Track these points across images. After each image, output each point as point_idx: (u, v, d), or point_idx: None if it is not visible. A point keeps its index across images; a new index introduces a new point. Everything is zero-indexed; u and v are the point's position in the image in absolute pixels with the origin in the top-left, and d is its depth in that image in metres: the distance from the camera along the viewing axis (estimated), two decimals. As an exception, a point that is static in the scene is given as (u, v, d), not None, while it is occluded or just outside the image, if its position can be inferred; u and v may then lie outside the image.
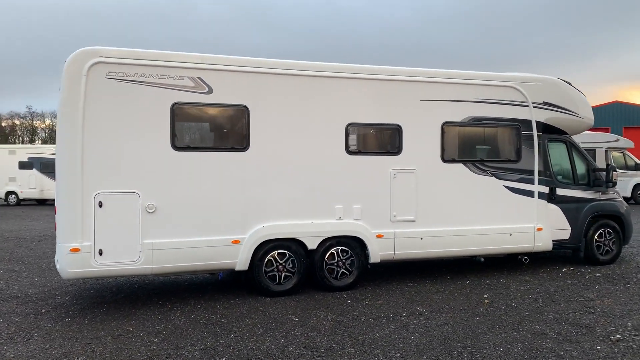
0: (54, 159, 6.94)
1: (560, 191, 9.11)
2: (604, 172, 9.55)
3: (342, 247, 7.78)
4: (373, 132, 8.17)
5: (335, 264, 7.76)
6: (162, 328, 6.18)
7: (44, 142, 56.50)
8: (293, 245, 7.53)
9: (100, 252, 6.61)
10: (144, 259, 6.78)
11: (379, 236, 7.89)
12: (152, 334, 5.96)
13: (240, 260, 7.24)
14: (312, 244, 7.59)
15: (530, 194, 8.77)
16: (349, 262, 7.81)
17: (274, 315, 6.63)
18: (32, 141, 59.50)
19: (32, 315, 6.77)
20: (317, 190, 7.63)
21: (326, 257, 7.70)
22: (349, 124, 7.76)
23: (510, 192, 8.65)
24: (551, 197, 9.00)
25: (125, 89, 6.71)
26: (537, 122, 8.81)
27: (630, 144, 23.02)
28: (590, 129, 28.08)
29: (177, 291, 7.97)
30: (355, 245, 7.83)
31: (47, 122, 61.66)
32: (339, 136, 7.73)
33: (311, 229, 7.58)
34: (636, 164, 22.73)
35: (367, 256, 7.88)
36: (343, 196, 7.75)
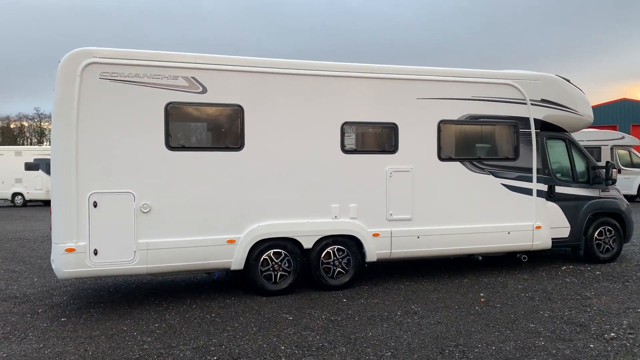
0: None
1: (559, 189, 9.05)
2: (604, 170, 9.47)
3: (338, 246, 7.77)
4: (369, 130, 8.16)
5: (332, 263, 7.74)
6: (156, 327, 6.20)
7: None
8: (289, 244, 7.53)
9: (95, 252, 6.63)
10: (139, 258, 6.80)
11: (375, 235, 7.87)
12: (146, 333, 5.98)
13: (236, 260, 7.25)
14: (307, 243, 7.58)
15: (528, 192, 8.72)
16: (345, 261, 7.80)
17: (268, 314, 6.64)
18: (40, 142, 59.89)
19: (28, 315, 6.81)
20: (313, 190, 7.62)
21: (322, 256, 7.69)
22: (345, 123, 7.75)
23: (508, 190, 8.60)
24: (550, 195, 8.95)
25: (120, 89, 6.73)
26: (535, 119, 8.76)
27: (635, 141, 22.87)
28: (597, 127, 27.98)
29: (174, 291, 7.99)
30: (351, 244, 7.81)
31: (55, 123, 61.88)
32: (335, 135, 7.71)
33: (307, 228, 7.57)
34: (642, 161, 22.57)
35: (363, 255, 7.86)
36: (339, 195, 7.74)
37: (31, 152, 27.41)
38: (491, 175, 8.51)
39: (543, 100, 8.83)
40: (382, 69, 7.98)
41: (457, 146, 8.47)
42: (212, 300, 7.32)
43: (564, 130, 9.36)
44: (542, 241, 8.80)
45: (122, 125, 6.78)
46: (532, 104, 8.72)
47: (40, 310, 7.00)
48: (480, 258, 8.95)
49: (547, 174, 8.95)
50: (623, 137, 22.43)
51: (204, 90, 7.09)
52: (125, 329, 6.17)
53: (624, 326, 5.96)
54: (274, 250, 7.47)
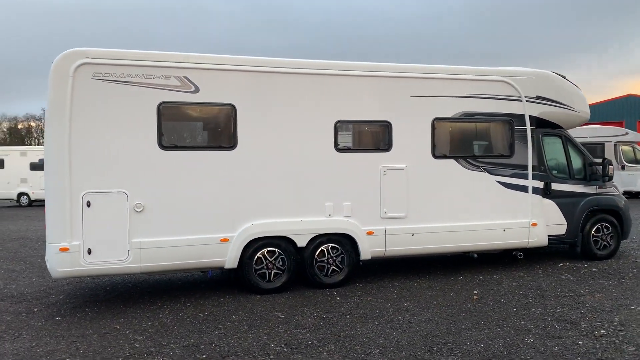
0: None
1: (555, 186, 9.02)
2: (601, 167, 9.42)
3: (333, 245, 7.78)
4: (362, 129, 8.16)
5: (326, 261, 7.76)
6: (149, 326, 6.24)
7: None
8: (282, 243, 7.56)
9: (89, 251, 6.68)
10: (132, 257, 6.85)
11: (370, 233, 7.88)
12: (138, 332, 6.03)
13: (229, 259, 7.28)
14: (301, 242, 7.60)
15: (524, 189, 8.70)
16: (339, 259, 7.82)
17: (261, 312, 6.67)
18: (46, 143, 60.06)
19: (24, 314, 6.87)
20: (307, 188, 7.64)
21: (316, 254, 7.71)
22: (338, 121, 7.76)
23: (503, 187, 8.58)
24: (546, 192, 8.92)
25: (112, 89, 6.78)
26: (530, 116, 8.74)
27: (639, 137, 22.72)
28: (604, 123, 27.80)
29: (169, 289, 8.04)
30: (345, 242, 7.83)
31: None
32: (328, 133, 7.72)
33: (301, 227, 7.60)
34: (646, 157, 22.43)
35: (358, 253, 7.87)
36: (333, 194, 7.75)
37: (36, 153, 27.55)
38: (486, 173, 8.49)
39: (538, 97, 8.80)
40: (376, 67, 7.98)
41: (452, 144, 8.46)
42: (206, 299, 7.36)
43: (560, 127, 9.32)
44: (538, 238, 8.78)
45: (114, 125, 6.82)
46: (527, 101, 8.70)
47: (36, 309, 7.07)
48: (476, 255, 8.94)
49: (543, 171, 8.92)
50: (627, 133, 22.30)
51: (197, 90, 7.12)
52: (118, 327, 6.21)
53: (615, 323, 5.94)
54: (268, 248, 7.50)
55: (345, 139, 7.93)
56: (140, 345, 5.58)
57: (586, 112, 9.38)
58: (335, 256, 7.80)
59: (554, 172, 9.16)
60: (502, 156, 8.62)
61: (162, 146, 6.99)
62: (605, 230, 9.42)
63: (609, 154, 21.17)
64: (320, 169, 7.69)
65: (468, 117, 8.42)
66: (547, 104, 8.88)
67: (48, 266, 6.78)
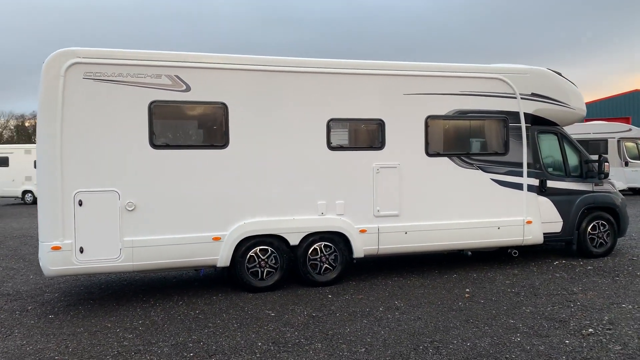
0: None
1: (551, 183, 8.99)
2: (597, 164, 9.38)
3: (325, 243, 7.79)
4: (355, 127, 8.16)
5: (319, 260, 7.78)
6: (140, 324, 6.28)
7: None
8: (275, 241, 7.57)
9: (81, 250, 6.73)
10: (124, 256, 6.89)
11: (363, 231, 7.88)
12: (128, 330, 6.07)
13: (222, 257, 7.31)
14: (294, 240, 7.62)
15: (519, 186, 8.67)
16: (332, 257, 7.83)
17: (252, 310, 6.69)
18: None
19: (17, 312, 6.93)
20: (299, 187, 7.65)
21: (309, 252, 7.73)
22: (331, 120, 7.76)
23: (497, 185, 8.56)
24: (541, 190, 8.89)
25: (103, 88, 6.80)
26: (525, 113, 8.70)
27: (643, 133, 22.56)
28: (610, 119, 27.59)
29: (162, 287, 8.08)
30: (338, 240, 7.83)
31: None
32: (321, 132, 7.72)
33: (293, 225, 7.61)
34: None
35: (351, 251, 7.88)
36: (325, 192, 7.76)
37: (40, 150, 27.70)
38: (480, 170, 8.47)
39: (533, 94, 8.76)
40: (368, 65, 7.97)
41: (445, 141, 8.44)
42: (199, 297, 7.39)
43: (556, 124, 9.28)
44: (533, 236, 8.75)
45: (106, 125, 6.85)
46: (522, 98, 8.66)
47: (29, 308, 7.12)
48: (470, 253, 8.93)
49: (538, 168, 8.89)
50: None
51: (188, 89, 7.13)
52: (109, 325, 6.26)
53: (604, 322, 5.92)
54: (260, 247, 7.52)
55: (338, 137, 7.93)
56: (130, 344, 5.62)
57: (582, 109, 9.33)
58: (328, 254, 7.81)
59: (550, 169, 9.12)
60: (496, 154, 8.59)
61: (154, 145, 7.02)
62: (601, 227, 9.38)
63: (612, 150, 21.04)
64: (313, 167, 7.69)
65: (462, 114, 8.40)
66: (543, 101, 8.84)
67: (41, 264, 6.82)
